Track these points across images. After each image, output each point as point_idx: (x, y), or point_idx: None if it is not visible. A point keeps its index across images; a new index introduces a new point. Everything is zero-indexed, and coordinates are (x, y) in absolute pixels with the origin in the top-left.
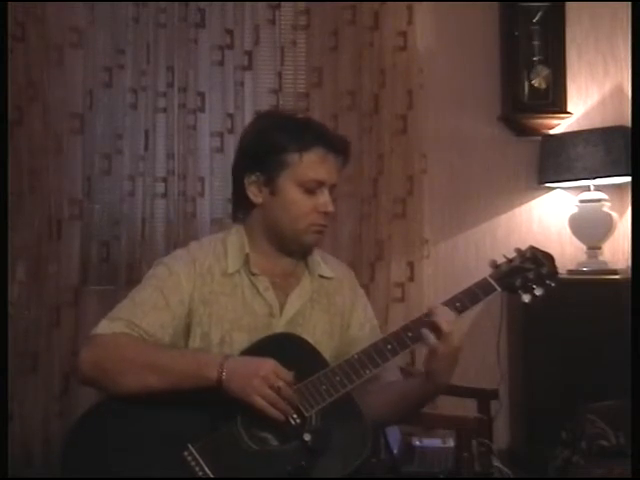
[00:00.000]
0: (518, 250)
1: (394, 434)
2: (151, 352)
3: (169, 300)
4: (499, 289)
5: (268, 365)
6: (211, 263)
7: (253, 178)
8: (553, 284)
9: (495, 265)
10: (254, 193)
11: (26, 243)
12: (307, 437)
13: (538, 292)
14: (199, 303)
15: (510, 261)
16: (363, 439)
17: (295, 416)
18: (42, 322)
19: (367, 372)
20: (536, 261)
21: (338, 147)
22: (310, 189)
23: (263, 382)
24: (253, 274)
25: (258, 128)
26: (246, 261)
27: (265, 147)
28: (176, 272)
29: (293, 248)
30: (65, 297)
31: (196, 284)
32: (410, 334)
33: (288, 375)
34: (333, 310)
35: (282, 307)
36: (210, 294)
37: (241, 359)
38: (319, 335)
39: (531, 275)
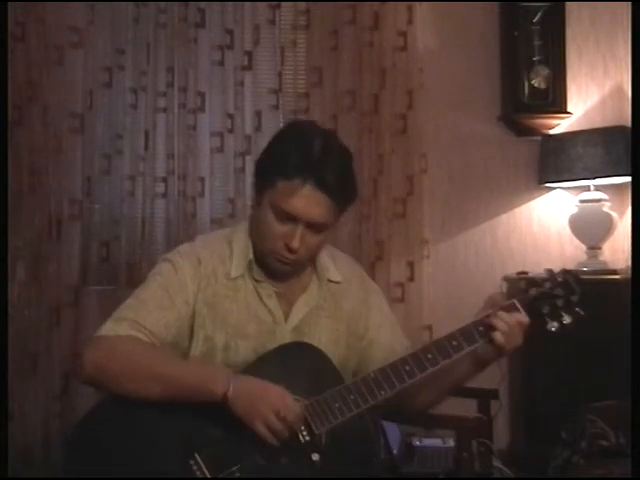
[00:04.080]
0: (550, 272)
1: (394, 434)
2: (158, 361)
3: (174, 299)
4: (525, 315)
5: (275, 392)
6: (215, 265)
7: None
8: (582, 312)
9: (525, 286)
10: (254, 195)
11: (26, 243)
12: (315, 457)
13: (566, 320)
14: (202, 305)
15: (540, 285)
16: (371, 459)
17: (305, 433)
18: (42, 322)
19: (382, 393)
20: (567, 287)
21: (328, 186)
22: (281, 218)
23: (269, 409)
24: (257, 281)
25: (280, 136)
26: (249, 267)
27: (267, 160)
28: (182, 271)
29: (263, 265)
30: (65, 297)
31: (201, 285)
32: (430, 356)
33: (295, 405)
34: (339, 315)
35: (287, 315)
36: (214, 297)
37: (249, 380)
38: (324, 343)
39: (560, 303)
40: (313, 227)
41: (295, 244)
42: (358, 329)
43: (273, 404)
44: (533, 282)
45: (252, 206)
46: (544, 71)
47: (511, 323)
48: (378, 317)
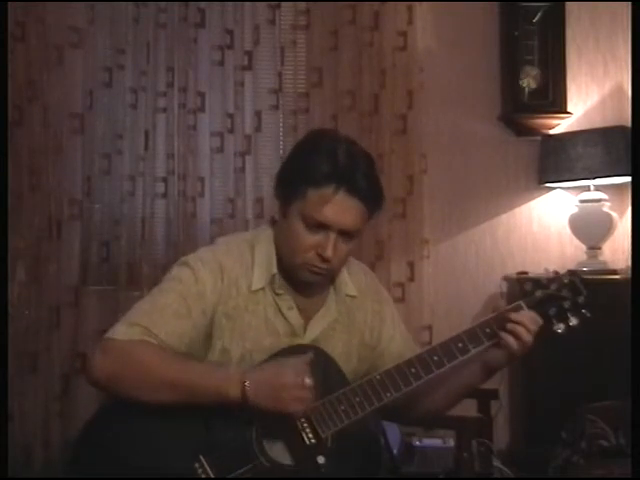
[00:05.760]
0: (556, 274)
1: (394, 434)
2: (169, 367)
3: (191, 309)
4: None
5: (291, 375)
6: (238, 275)
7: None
8: (589, 314)
9: (531, 287)
10: (278, 207)
11: (26, 243)
12: (321, 460)
13: (573, 322)
14: (222, 316)
15: (546, 287)
16: (377, 463)
17: (311, 436)
18: (42, 322)
19: (388, 395)
20: (574, 289)
21: (360, 191)
22: (312, 227)
23: (292, 389)
24: (277, 294)
25: (304, 146)
26: (271, 280)
27: (292, 170)
28: (202, 280)
29: (292, 277)
30: (65, 297)
31: (222, 297)
32: (435, 358)
33: (306, 371)
34: (353, 328)
35: (304, 328)
36: (235, 309)
37: (261, 372)
38: (337, 357)
39: (567, 304)
40: (344, 234)
41: (329, 252)
42: (371, 341)
43: (296, 386)
44: (539, 284)
45: (272, 218)
46: (543, 71)
47: (519, 321)
48: (390, 329)
